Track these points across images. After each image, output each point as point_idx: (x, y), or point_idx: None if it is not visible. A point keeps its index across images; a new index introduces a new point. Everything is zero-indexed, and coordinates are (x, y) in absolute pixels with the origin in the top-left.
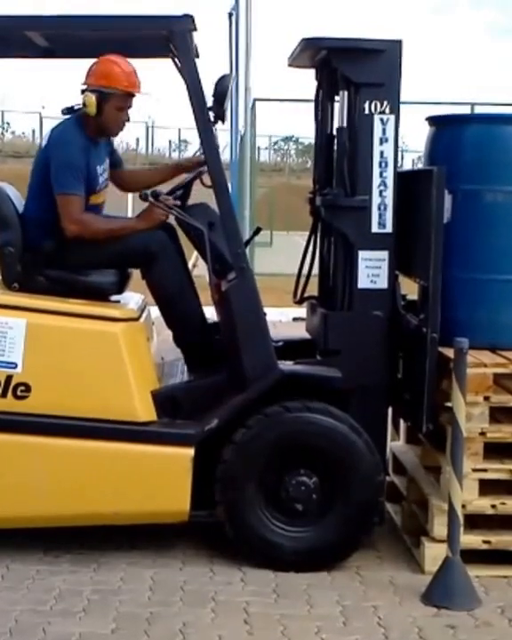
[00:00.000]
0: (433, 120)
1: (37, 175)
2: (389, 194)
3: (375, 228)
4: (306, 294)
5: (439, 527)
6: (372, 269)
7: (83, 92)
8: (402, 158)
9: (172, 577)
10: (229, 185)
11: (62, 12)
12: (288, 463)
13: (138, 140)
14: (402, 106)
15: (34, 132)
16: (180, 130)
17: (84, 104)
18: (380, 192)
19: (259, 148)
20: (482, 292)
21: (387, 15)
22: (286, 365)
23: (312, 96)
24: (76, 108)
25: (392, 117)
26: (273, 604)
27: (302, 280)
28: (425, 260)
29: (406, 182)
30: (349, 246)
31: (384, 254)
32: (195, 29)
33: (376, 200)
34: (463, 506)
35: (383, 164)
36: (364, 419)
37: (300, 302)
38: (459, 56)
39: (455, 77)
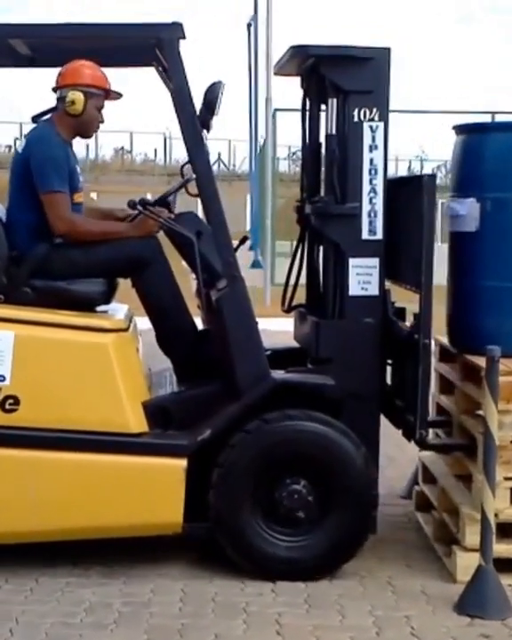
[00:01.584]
0: (460, 128)
1: (17, 179)
2: (379, 201)
3: (366, 236)
4: (294, 303)
5: (471, 536)
6: (362, 276)
7: (56, 91)
8: (421, 167)
9: (203, 589)
10: (249, 196)
11: (72, 14)
12: (279, 474)
13: (156, 150)
14: (420, 115)
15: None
16: None
17: (72, 102)
18: (371, 199)
19: (278, 158)
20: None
21: (409, 25)
22: (279, 374)
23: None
24: (45, 113)
25: (381, 125)
26: (305, 614)
27: (290, 289)
28: (417, 267)
29: (398, 189)
30: (340, 254)
31: (375, 261)
32: (183, 37)
33: (366, 207)
34: (495, 514)
35: (373, 171)
36: (356, 426)
37: (288, 311)
38: (479, 64)
39: (473, 86)
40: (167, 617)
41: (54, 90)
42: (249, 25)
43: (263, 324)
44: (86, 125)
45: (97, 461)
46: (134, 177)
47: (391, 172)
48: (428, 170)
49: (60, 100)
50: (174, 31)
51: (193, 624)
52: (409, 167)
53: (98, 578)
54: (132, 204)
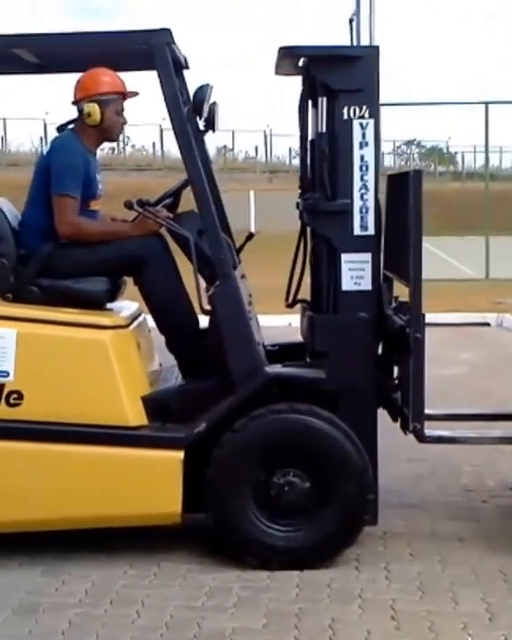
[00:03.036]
0: None
1: (37, 181)
2: (371, 197)
3: (357, 231)
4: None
5: None
6: (355, 271)
7: (75, 104)
8: (500, 159)
9: (318, 575)
10: None
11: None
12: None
13: (256, 148)
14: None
15: (154, 145)
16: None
17: (88, 114)
18: (362, 195)
19: (383, 153)
20: None
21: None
22: (273, 368)
23: (439, 99)
24: (69, 123)
25: (371, 121)
26: (418, 601)
27: (294, 284)
28: (406, 261)
29: (395, 184)
30: (332, 249)
31: (367, 256)
32: (172, 42)
33: (358, 203)
34: None
35: (364, 168)
36: (353, 419)
37: (291, 306)
38: None
39: None
40: (284, 602)
41: (74, 103)
42: (350, 20)
43: None
44: (109, 131)
45: (97, 453)
46: (236, 174)
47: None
48: (506, 160)
49: (80, 112)
50: (163, 37)
51: (310, 609)
52: None
53: (216, 565)
54: (129, 205)
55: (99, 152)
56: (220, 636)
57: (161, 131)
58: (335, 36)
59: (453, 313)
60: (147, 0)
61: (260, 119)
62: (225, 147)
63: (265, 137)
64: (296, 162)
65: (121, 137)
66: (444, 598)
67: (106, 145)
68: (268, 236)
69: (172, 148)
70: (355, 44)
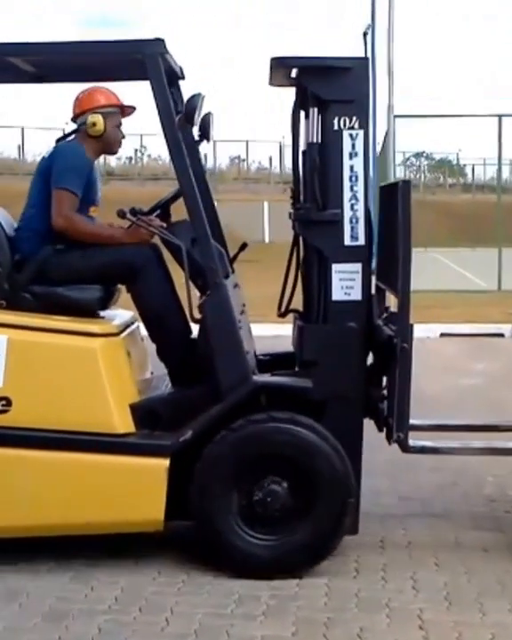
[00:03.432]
0: None
1: (37, 184)
2: (361, 207)
3: (348, 241)
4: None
5: None
6: (345, 282)
7: (74, 120)
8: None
9: (346, 585)
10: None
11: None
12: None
13: (271, 158)
14: None
15: None
16: None
17: (93, 124)
18: (352, 205)
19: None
20: None
21: None
22: (260, 377)
23: (450, 111)
24: (67, 136)
25: (361, 132)
26: (445, 611)
27: (287, 294)
28: (395, 271)
29: (387, 195)
30: (323, 259)
31: (357, 267)
32: (166, 52)
33: (348, 213)
34: None
35: (353, 178)
36: (339, 429)
37: (282, 316)
38: None
39: None
40: (313, 610)
41: (73, 119)
42: (364, 34)
43: None
44: (109, 144)
45: (84, 460)
46: (250, 185)
47: None
48: None
49: (82, 124)
50: (156, 47)
51: (338, 618)
52: None
53: None
54: (121, 213)
55: (115, 161)
56: None
57: None
58: (335, 36)
59: (468, 324)
60: (148, 5)
61: (275, 130)
62: (238, 157)
63: (280, 147)
64: None
65: (134, 147)
66: (472, 609)
67: (122, 155)
68: (281, 247)
69: None
70: (369, 56)
